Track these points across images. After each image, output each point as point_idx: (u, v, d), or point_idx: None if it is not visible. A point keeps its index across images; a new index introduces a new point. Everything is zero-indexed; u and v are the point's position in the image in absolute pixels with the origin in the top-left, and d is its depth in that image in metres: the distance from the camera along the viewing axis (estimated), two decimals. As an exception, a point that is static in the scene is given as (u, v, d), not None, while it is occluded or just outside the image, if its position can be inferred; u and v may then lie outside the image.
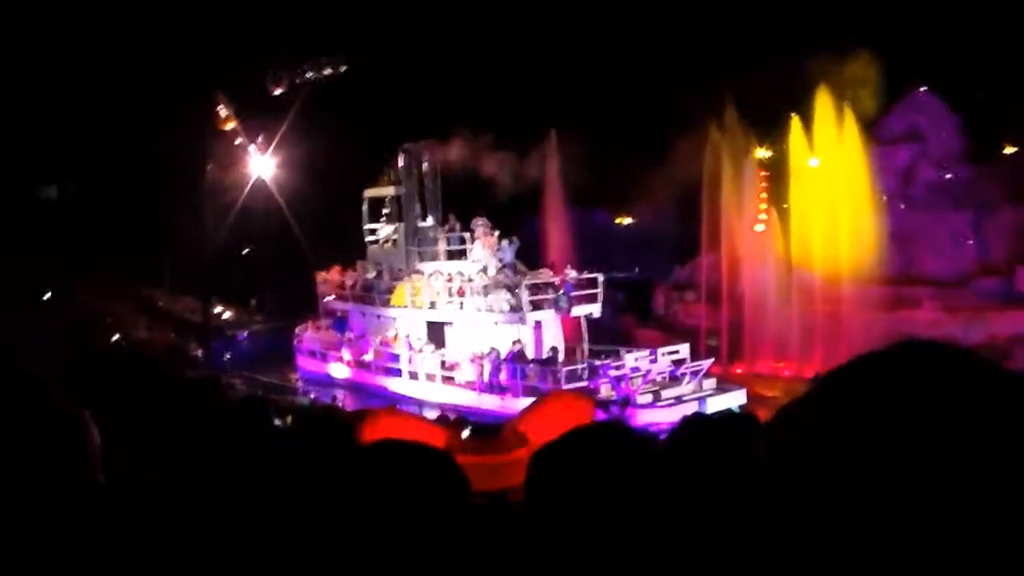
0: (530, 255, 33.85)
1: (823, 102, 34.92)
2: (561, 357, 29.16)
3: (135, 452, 3.92)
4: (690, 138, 36.89)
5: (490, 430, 20.26)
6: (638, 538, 2.34)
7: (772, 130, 37.08)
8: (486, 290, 30.81)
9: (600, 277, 30.61)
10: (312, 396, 30.17)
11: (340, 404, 27.24)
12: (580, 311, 30.26)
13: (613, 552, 2.32)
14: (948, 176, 39.41)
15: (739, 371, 35.03)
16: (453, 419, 22.82)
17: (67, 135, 43.70)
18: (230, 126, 41.61)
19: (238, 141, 42.20)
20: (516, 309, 29.80)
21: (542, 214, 40.93)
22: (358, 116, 46.28)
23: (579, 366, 28.02)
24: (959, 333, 31.53)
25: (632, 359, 27.07)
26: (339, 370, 35.13)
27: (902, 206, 38.18)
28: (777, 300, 35.79)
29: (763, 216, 37.13)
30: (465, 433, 20.18)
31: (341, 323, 36.85)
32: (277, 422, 9.18)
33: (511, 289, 30.25)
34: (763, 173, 37.47)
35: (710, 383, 27.79)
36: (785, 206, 36.77)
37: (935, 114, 40.23)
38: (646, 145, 39.99)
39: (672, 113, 37.54)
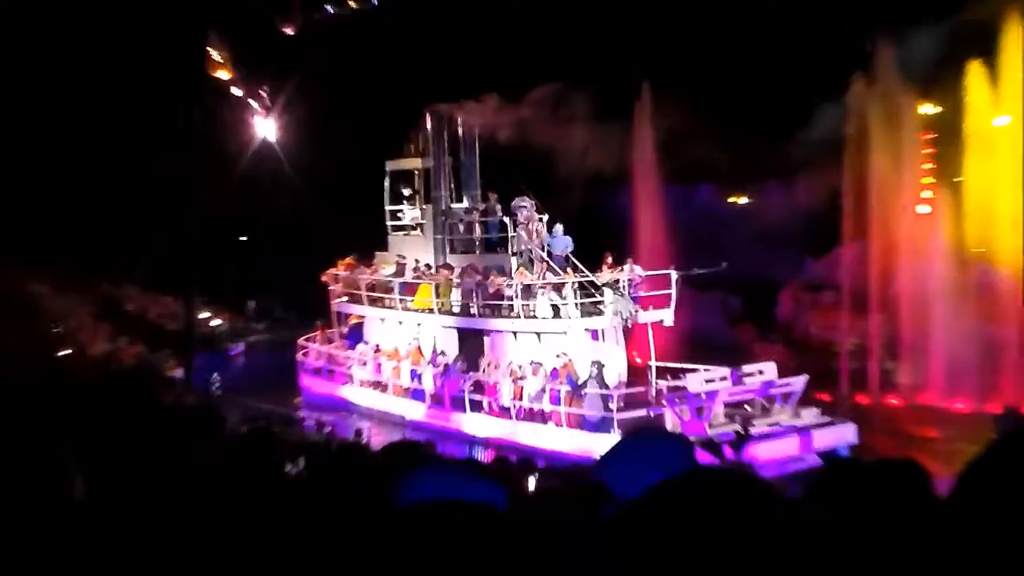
0: (613, 245, 33.49)
1: (1014, 39, 34.17)
2: (620, 378, 29.61)
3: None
4: (827, 92, 36.84)
5: (565, 476, 19.84)
6: None
7: (941, 80, 36.23)
8: (528, 291, 30.97)
9: (674, 274, 30.41)
10: (327, 430, 29.48)
11: (365, 440, 26.89)
12: (648, 318, 30.01)
13: None
14: None
15: (894, 402, 34.48)
16: (519, 463, 22.61)
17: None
18: (225, 74, 41.89)
19: (236, 92, 42.54)
20: (562, 315, 30.30)
21: (630, 192, 41.32)
22: (386, 66, 46.59)
23: (642, 389, 28.63)
24: None
25: (698, 381, 26.96)
26: (350, 392, 35.93)
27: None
28: (948, 305, 34.82)
29: (928, 193, 36.73)
30: (531, 483, 19.74)
31: (357, 332, 37.50)
32: (288, 467, 10.06)
33: (558, 289, 30.48)
34: (928, 137, 37.19)
35: (811, 412, 27.72)
36: (958, 180, 36.18)
37: None
38: (768, 103, 40.86)
39: (804, 60, 38.75)
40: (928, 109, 38.48)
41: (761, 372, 27.90)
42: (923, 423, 30.87)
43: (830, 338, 38.56)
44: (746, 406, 27.62)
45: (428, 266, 34.71)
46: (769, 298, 43.69)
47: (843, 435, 26.71)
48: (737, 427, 26.18)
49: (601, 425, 27.13)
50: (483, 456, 25.43)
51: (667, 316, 30.12)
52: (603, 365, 28.81)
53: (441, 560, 2.49)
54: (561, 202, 35.83)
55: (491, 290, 31.80)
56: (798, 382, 27.78)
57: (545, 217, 32.39)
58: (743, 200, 54.67)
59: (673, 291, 30.16)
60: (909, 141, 36.37)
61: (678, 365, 29.30)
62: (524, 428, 29.28)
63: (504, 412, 30.07)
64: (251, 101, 42.08)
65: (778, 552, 2.43)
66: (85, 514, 4.17)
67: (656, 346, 31.07)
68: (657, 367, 29.62)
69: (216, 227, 46.01)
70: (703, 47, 46.31)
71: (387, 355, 34.72)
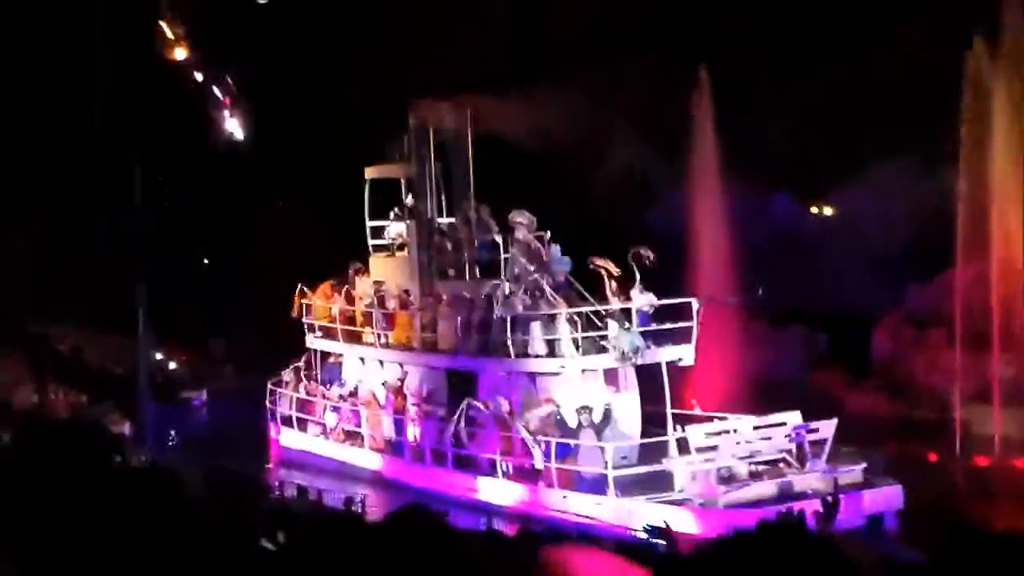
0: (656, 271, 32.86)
1: None
2: (630, 428, 30.29)
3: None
4: (937, 58, 37.70)
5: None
6: None
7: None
8: (516, 323, 31.26)
9: (695, 303, 31.07)
10: (315, 495, 30.42)
11: (358, 507, 28.18)
12: (662, 356, 30.50)
13: None
14: None
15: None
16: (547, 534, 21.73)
17: None
18: (182, 54, 41.72)
19: (197, 77, 42.74)
20: (557, 352, 30.79)
21: (683, 201, 41.57)
22: (380, 42, 47.30)
23: (652, 440, 29.21)
24: None
25: (701, 434, 27.56)
26: (321, 446, 36.80)
27: None
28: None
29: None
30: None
31: (335, 371, 38.25)
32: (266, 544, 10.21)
33: (551, 321, 31.06)
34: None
35: (853, 473, 28.04)
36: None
37: None
38: (857, 85, 42.38)
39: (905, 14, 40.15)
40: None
41: (783, 423, 28.45)
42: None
43: (940, 384, 38.46)
44: (780, 464, 28.10)
45: (407, 293, 35.13)
46: (863, 334, 43.56)
47: (888, 499, 27.35)
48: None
49: (596, 484, 27.81)
50: (504, 527, 24.81)
51: (686, 353, 30.63)
52: (590, 408, 29.35)
53: None
54: (579, 214, 38.00)
55: (475, 321, 32.46)
56: (826, 427, 28.21)
57: (547, 235, 32.83)
58: (828, 210, 54.38)
59: (695, 323, 30.64)
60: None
61: (706, 413, 30.17)
62: (513, 489, 30.10)
63: (492, 467, 30.92)
64: (214, 89, 42.17)
65: None
66: None
67: (715, 393, 32.18)
68: (680, 416, 30.11)
69: (175, 248, 46.76)
70: (777, 19, 46.23)
71: (364, 401, 35.29)
